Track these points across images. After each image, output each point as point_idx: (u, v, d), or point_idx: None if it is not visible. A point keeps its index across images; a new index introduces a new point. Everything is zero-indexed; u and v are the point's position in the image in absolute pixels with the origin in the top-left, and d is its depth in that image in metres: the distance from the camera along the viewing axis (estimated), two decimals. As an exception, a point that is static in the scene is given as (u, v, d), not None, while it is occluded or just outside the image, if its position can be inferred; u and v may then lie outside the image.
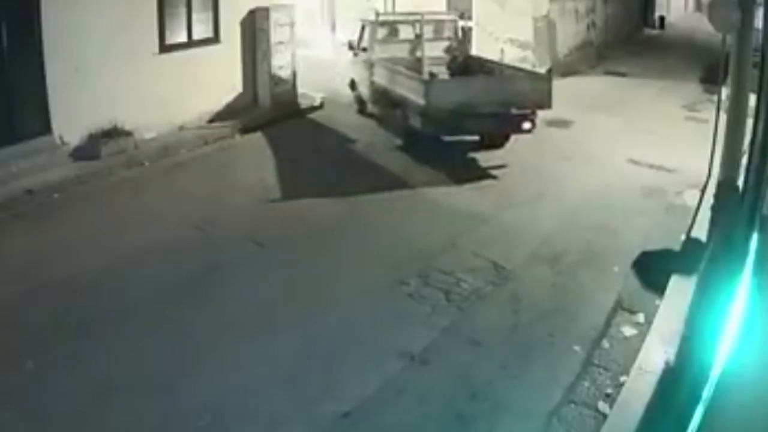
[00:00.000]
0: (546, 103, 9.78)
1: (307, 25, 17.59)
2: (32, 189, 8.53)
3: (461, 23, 13.22)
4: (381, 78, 11.58)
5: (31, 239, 7.54)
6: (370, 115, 12.48)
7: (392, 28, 12.71)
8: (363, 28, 12.69)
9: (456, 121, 9.59)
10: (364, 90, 12.54)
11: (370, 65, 11.97)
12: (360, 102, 12.95)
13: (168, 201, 8.74)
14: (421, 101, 9.73)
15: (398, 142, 10.89)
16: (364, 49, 12.43)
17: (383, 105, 11.68)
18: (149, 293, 6.34)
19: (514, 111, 9.81)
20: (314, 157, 10.52)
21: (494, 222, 8.15)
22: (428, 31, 12.16)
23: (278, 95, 12.67)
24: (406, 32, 12.57)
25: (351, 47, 12.89)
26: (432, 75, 10.92)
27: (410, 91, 10.20)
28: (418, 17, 11.99)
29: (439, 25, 12.81)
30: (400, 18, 13.22)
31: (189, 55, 11.28)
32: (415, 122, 10.17)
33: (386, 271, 6.85)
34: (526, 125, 9.87)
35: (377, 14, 12.63)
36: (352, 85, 13.19)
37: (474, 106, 9.57)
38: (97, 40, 9.68)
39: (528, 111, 9.84)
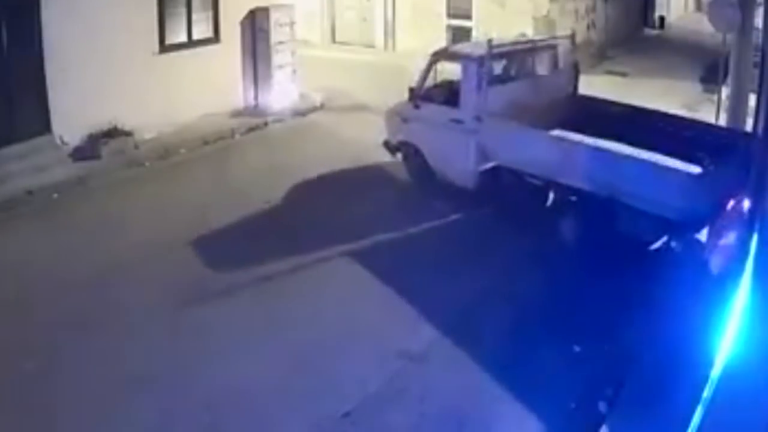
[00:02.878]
0: None
1: (307, 25, 17.56)
2: (32, 189, 8.53)
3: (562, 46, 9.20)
4: (520, 155, 7.48)
5: (31, 239, 7.54)
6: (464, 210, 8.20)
7: (505, 65, 8.67)
8: (432, 64, 8.60)
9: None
10: (447, 169, 8.39)
11: (475, 131, 7.85)
12: (420, 173, 8.75)
13: (168, 201, 8.73)
14: (677, 205, 6.23)
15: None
16: (450, 101, 8.26)
17: (522, 198, 7.67)
18: (149, 293, 6.35)
19: None
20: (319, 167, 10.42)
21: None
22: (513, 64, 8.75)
23: (278, 95, 12.66)
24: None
25: (412, 95, 8.63)
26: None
27: (647, 189, 6.38)
28: (529, 45, 8.64)
29: (526, 54, 8.92)
30: (508, 48, 8.70)
31: (189, 55, 11.28)
32: (650, 235, 6.61)
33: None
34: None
35: (490, 46, 7.94)
36: (395, 148, 9.07)
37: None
38: (98, 40, 9.68)
39: None
